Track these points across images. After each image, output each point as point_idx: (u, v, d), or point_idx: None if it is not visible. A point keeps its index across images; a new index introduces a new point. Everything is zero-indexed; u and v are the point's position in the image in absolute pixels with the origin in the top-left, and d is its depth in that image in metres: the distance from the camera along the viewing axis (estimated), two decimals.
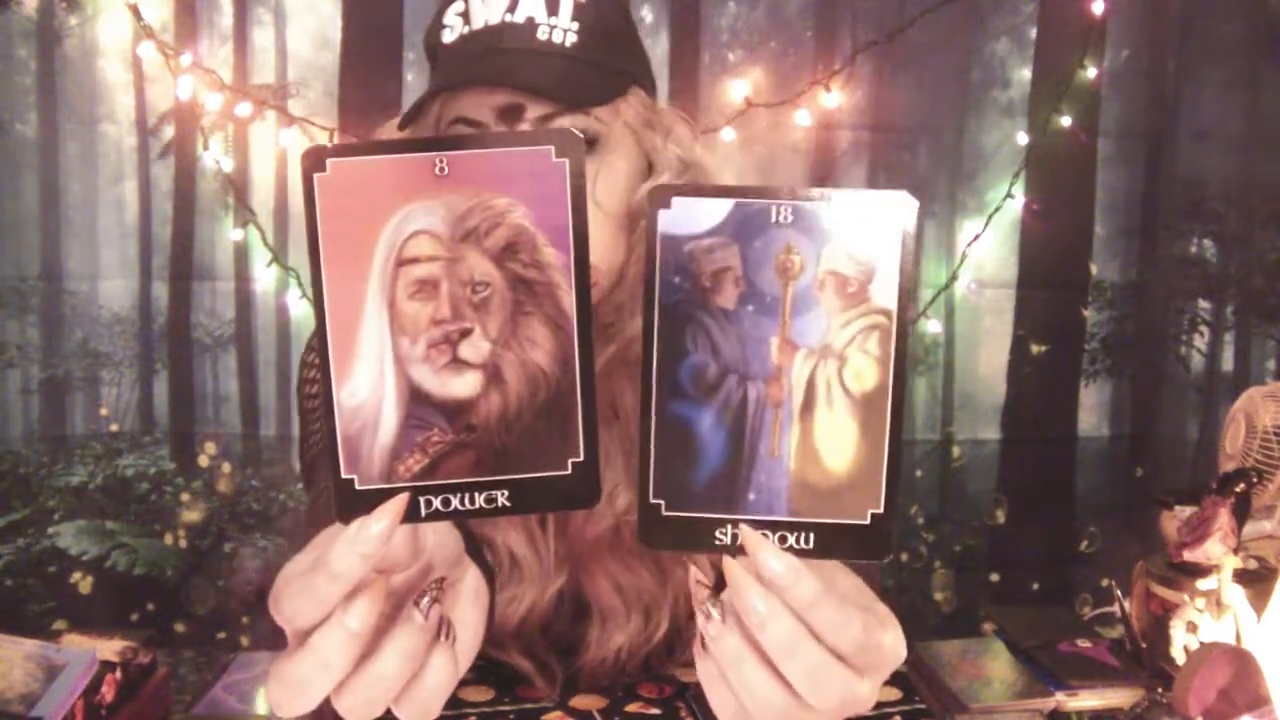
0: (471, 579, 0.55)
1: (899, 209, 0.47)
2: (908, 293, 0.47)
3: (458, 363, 0.48)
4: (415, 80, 2.39)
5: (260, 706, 0.96)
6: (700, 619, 0.48)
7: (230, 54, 2.35)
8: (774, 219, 0.47)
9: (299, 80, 2.38)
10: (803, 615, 0.46)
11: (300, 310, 2.36)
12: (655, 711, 1.00)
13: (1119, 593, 1.13)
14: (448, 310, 0.47)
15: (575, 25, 0.87)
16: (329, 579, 0.45)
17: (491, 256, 0.47)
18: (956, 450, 2.57)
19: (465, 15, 0.88)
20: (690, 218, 0.47)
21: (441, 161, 0.46)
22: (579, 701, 1.01)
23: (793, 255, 0.47)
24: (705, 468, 0.48)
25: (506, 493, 0.49)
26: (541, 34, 0.86)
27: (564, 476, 0.48)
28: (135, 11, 2.26)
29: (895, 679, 1.06)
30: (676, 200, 0.47)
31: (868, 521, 0.48)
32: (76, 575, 2.38)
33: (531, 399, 0.48)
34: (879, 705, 1.01)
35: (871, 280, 0.47)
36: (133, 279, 2.40)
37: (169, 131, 2.37)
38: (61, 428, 2.41)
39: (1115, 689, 1.01)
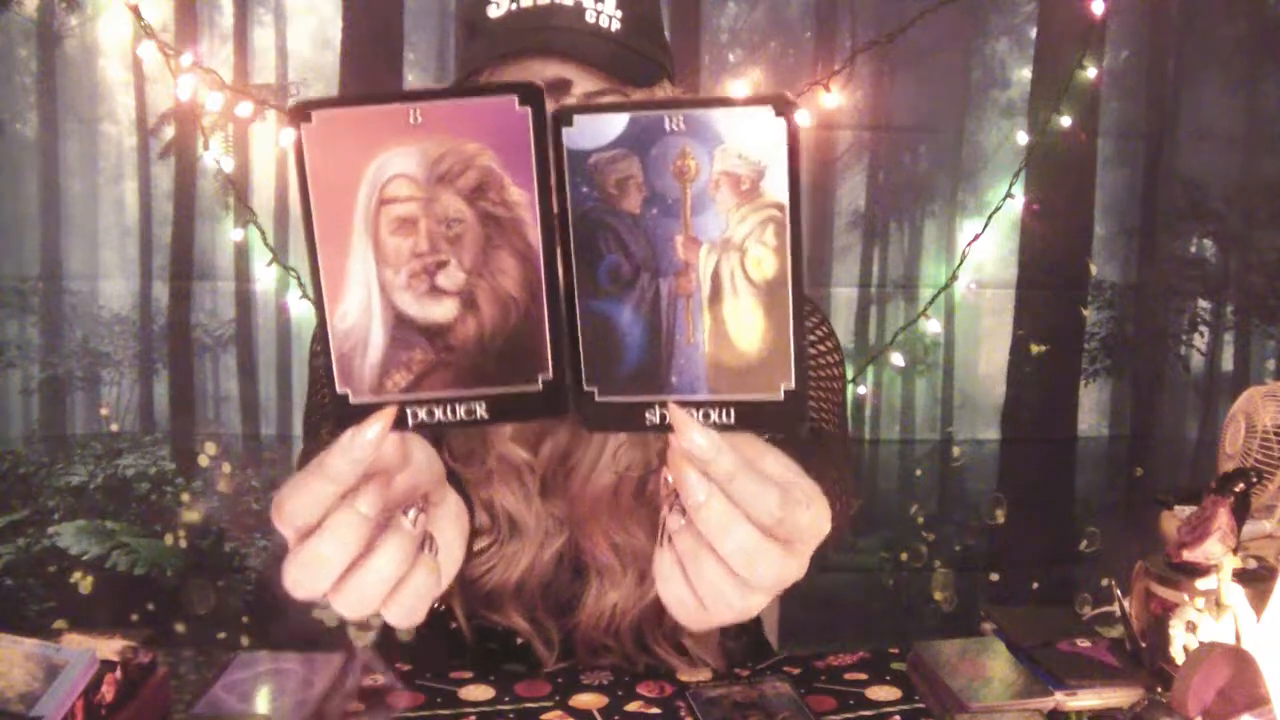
0: (452, 502, 0.60)
1: (783, 108, 0.50)
2: (798, 186, 0.50)
3: (436, 291, 0.53)
4: (416, 80, 2.39)
5: (260, 706, 0.96)
6: (665, 511, 0.53)
7: (230, 54, 2.35)
8: (668, 128, 0.50)
9: (299, 80, 2.38)
10: (724, 487, 0.50)
11: (300, 310, 2.36)
12: (655, 711, 1.00)
13: (1119, 592, 1.13)
14: (426, 244, 0.52)
15: (620, 14, 0.92)
16: (325, 480, 0.50)
17: (463, 196, 0.52)
18: (956, 450, 2.57)
19: None
20: (592, 132, 0.51)
21: (416, 111, 0.51)
22: (579, 701, 1.01)
23: (688, 160, 0.51)
24: (630, 356, 0.53)
25: (484, 405, 0.54)
26: (589, 17, 0.91)
27: (536, 392, 0.53)
28: (135, 11, 2.26)
29: (895, 679, 1.07)
30: (578, 118, 0.51)
31: (782, 396, 0.52)
32: (76, 575, 2.38)
33: (504, 322, 0.53)
34: (879, 705, 1.02)
35: (763, 177, 0.50)
36: (133, 279, 2.40)
37: (169, 131, 2.37)
38: (61, 428, 2.41)
39: (1115, 689, 1.01)
